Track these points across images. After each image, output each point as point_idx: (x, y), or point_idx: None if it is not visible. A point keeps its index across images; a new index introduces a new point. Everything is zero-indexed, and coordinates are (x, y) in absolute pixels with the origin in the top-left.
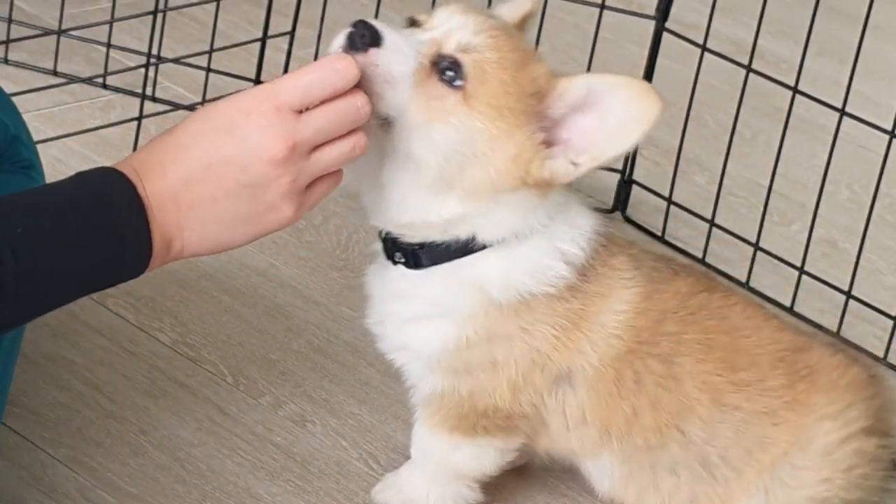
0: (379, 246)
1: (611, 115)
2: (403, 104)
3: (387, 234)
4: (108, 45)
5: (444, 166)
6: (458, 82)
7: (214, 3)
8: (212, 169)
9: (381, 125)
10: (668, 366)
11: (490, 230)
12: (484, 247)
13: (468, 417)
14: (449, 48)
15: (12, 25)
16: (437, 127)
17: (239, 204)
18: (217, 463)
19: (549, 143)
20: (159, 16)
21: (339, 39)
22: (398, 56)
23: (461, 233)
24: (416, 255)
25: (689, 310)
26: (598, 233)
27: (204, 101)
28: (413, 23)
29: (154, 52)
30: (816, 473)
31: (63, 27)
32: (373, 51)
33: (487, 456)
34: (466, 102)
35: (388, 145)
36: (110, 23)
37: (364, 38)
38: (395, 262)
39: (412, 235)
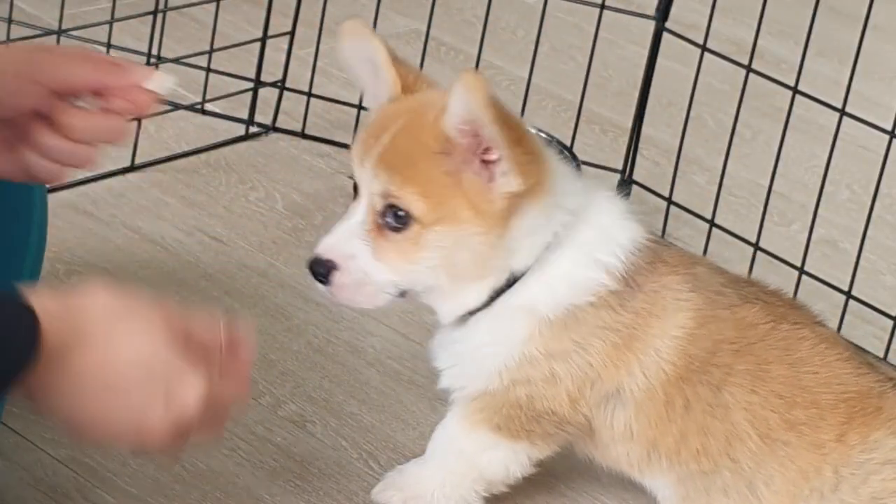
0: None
1: (480, 116)
2: (387, 281)
3: None
4: (109, 45)
5: (452, 276)
6: (401, 221)
7: (214, 3)
8: (128, 370)
9: (400, 297)
10: (717, 394)
11: (520, 261)
12: (523, 273)
13: (518, 419)
14: (378, 205)
15: (12, 25)
16: (423, 260)
17: (141, 401)
18: (217, 463)
19: (483, 170)
20: (159, 16)
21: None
22: (354, 268)
23: (500, 279)
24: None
25: (747, 340)
26: (640, 243)
27: (204, 101)
28: (355, 187)
29: (154, 52)
30: None
31: (63, 27)
32: (336, 276)
33: (518, 462)
34: (421, 228)
35: (414, 298)
36: (110, 23)
37: (322, 275)
38: None
39: None
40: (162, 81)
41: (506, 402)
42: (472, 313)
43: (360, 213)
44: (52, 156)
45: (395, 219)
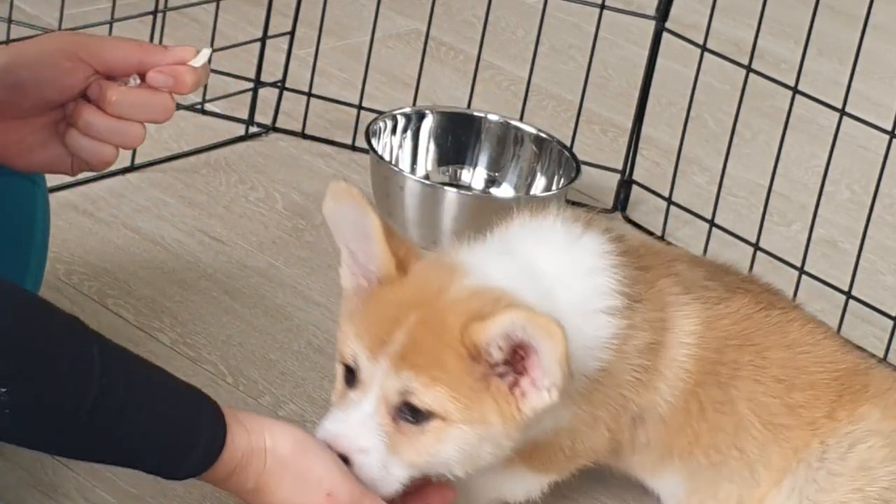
0: None
1: (539, 350)
2: (403, 475)
3: None
4: None
5: (471, 467)
6: (420, 416)
7: (214, 3)
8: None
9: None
10: (725, 391)
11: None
12: None
13: (558, 461)
14: (394, 400)
15: (12, 26)
16: (443, 454)
17: None
18: None
19: (513, 382)
20: (159, 16)
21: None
22: (368, 464)
23: None
24: None
25: (746, 332)
26: (609, 258)
27: (204, 101)
28: (348, 369)
29: None
30: (850, 483)
31: (63, 27)
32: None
33: (540, 489)
34: (444, 424)
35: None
36: (110, 23)
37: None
38: None
39: None
40: (202, 58)
41: (548, 448)
42: None
43: (370, 405)
44: (100, 135)
45: (412, 413)
